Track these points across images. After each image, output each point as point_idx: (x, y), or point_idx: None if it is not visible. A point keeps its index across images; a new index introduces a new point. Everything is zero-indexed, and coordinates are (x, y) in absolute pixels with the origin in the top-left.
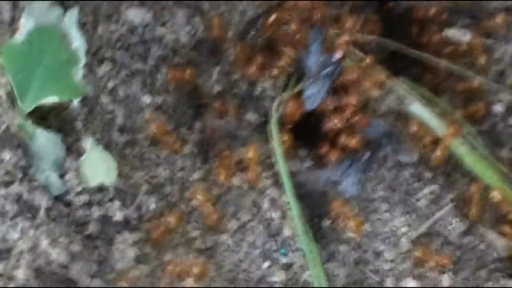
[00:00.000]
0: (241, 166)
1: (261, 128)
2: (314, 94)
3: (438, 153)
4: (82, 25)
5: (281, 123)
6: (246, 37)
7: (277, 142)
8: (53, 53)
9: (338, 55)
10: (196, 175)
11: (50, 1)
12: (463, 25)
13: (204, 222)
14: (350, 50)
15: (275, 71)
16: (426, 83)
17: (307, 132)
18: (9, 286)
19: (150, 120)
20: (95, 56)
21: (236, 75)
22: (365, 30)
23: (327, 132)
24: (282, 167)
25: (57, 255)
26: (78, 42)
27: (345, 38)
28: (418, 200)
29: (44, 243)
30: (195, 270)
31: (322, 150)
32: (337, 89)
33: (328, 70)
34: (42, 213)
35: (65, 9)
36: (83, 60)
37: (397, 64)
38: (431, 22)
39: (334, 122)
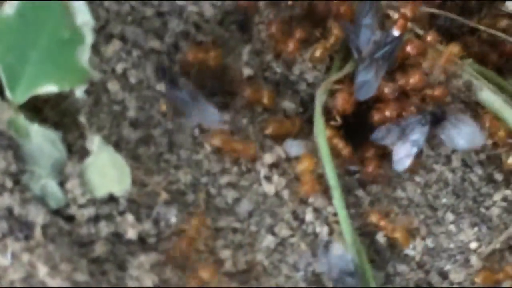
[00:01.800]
0: (279, 168)
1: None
2: (368, 81)
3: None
4: None
5: (326, 114)
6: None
7: (323, 140)
8: (52, 29)
9: (396, 31)
10: (224, 180)
11: None
12: None
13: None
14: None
15: (317, 52)
16: (491, 63)
17: (355, 124)
18: None
19: (167, 111)
20: (101, 33)
21: (269, 55)
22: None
23: (376, 125)
24: (329, 171)
25: (57, 286)
26: (84, 16)
27: (405, 10)
28: (488, 208)
29: (42, 271)
30: None
31: (367, 153)
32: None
33: (384, 50)
34: (38, 231)
35: None
36: (90, 38)
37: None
38: None
39: (385, 114)
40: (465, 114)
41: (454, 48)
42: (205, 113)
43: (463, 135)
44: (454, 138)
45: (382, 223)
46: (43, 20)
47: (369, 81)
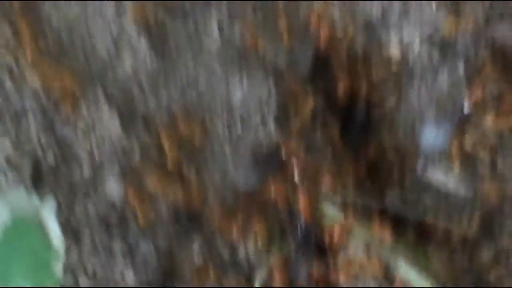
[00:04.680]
0: None
1: None
2: (300, 265)
3: None
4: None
5: None
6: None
7: None
8: (32, 249)
9: (303, 219)
10: None
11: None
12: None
13: None
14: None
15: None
16: (411, 236)
17: None
18: None
19: None
20: (72, 238)
21: (218, 241)
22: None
23: None
24: None
25: None
26: (58, 239)
27: (305, 202)
28: None
29: None
30: None
31: None
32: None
33: (301, 240)
34: None
35: (39, 195)
36: (63, 258)
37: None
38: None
39: None
40: None
41: (386, 234)
42: None
43: None
44: None
45: None
46: (24, 241)
47: (301, 265)
